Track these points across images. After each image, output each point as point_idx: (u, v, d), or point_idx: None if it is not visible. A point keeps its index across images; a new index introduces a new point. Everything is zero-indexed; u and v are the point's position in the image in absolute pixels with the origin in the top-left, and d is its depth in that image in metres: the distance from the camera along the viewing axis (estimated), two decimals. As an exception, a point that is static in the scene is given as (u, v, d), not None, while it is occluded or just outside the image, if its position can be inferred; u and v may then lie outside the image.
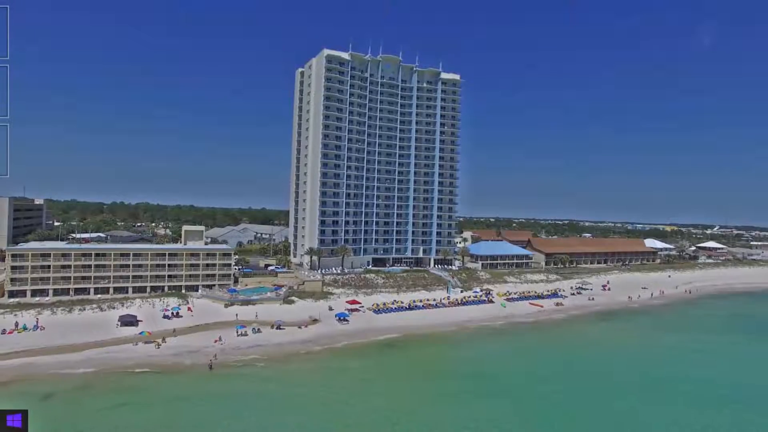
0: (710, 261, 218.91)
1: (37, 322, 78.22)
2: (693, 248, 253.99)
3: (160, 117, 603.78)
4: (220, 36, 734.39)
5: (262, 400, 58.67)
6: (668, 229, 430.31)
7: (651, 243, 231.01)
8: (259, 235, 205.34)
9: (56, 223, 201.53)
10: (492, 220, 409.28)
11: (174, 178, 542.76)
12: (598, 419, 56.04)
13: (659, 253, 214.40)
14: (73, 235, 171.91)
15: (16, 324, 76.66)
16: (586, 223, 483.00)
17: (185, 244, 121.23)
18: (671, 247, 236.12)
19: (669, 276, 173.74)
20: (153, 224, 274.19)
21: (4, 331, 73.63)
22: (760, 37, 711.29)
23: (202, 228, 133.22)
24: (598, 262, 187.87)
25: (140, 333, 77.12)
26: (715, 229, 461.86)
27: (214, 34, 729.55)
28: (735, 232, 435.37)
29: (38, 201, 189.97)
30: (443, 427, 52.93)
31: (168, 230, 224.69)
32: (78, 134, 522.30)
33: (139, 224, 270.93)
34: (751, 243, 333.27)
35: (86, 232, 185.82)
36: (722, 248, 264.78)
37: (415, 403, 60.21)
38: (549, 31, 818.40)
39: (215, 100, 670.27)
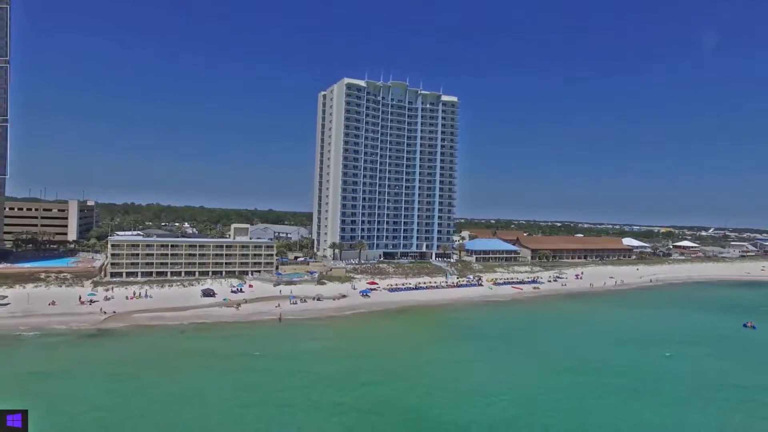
0: (681, 257, 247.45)
1: (146, 292, 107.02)
2: (669, 246, 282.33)
3: (172, 122, 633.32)
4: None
5: (318, 329, 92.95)
6: (663, 230, 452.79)
7: (629, 241, 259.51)
8: (277, 233, 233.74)
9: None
10: (493, 221, 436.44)
11: (181, 181, 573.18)
12: (541, 349, 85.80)
13: (634, 250, 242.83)
14: (118, 232, 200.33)
15: (134, 293, 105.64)
16: (585, 225, 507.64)
17: (234, 239, 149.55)
18: (647, 245, 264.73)
19: (637, 269, 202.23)
20: (177, 224, 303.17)
21: (127, 297, 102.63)
22: (761, 35, 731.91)
23: (247, 226, 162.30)
24: (579, 257, 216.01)
25: (223, 300, 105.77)
26: (711, 230, 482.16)
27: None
28: (726, 233, 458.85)
29: (90, 203, 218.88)
30: (439, 351, 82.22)
31: (194, 229, 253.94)
32: (89, 133, 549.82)
33: (164, 224, 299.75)
34: (731, 243, 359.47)
35: (123, 230, 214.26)
36: (695, 247, 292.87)
37: (420, 338, 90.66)
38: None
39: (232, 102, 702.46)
